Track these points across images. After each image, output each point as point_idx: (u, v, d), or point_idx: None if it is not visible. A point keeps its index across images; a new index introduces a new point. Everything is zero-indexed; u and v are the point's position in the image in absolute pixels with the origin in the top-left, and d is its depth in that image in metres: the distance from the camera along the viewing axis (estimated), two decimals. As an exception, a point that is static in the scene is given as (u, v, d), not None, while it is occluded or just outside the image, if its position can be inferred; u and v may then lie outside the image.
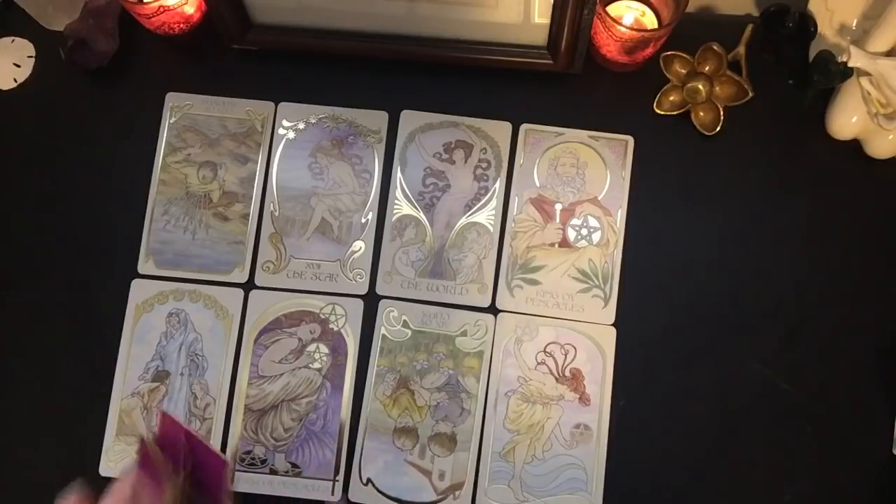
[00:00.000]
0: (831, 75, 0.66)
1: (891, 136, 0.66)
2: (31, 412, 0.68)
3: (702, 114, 0.70)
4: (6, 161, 0.73)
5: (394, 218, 0.70)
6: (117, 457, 0.66)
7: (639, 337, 0.67)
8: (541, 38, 0.68)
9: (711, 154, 0.71)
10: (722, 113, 0.69)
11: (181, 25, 0.71)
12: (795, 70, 0.71)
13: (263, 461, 0.66)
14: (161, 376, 0.68)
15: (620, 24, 0.64)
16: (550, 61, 0.68)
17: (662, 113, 0.71)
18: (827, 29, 0.69)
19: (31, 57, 0.75)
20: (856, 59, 0.61)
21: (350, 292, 0.69)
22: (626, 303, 0.68)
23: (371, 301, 0.68)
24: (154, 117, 0.73)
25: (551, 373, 0.67)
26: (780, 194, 0.70)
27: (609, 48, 0.68)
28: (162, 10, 0.68)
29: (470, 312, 0.68)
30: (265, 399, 0.67)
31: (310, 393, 0.67)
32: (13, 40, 0.76)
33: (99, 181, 0.72)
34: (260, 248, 0.70)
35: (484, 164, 0.71)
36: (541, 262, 0.69)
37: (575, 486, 0.65)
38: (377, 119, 0.72)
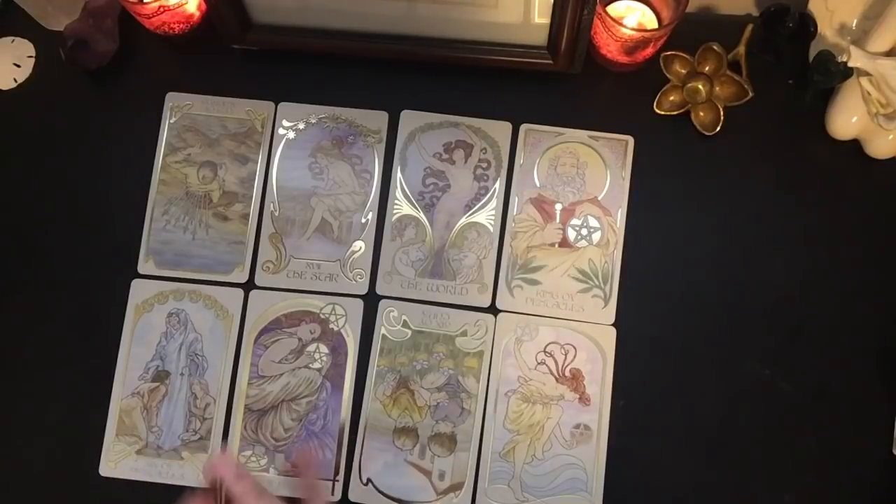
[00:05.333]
0: (831, 75, 0.66)
1: (891, 136, 0.66)
2: (32, 412, 0.68)
3: (702, 114, 0.70)
4: (6, 161, 0.73)
5: (394, 218, 0.70)
6: (117, 457, 0.66)
7: (639, 337, 0.67)
8: (541, 38, 0.68)
9: (711, 154, 0.71)
10: (722, 113, 0.69)
11: (181, 25, 0.71)
12: (795, 70, 0.71)
13: (263, 461, 0.66)
14: (161, 376, 0.68)
15: (620, 25, 0.64)
16: (550, 61, 0.68)
17: (662, 113, 0.71)
18: (827, 29, 0.69)
19: (31, 57, 0.75)
20: (856, 59, 0.61)
21: (350, 292, 0.69)
22: (626, 303, 0.68)
23: (371, 301, 0.68)
24: (154, 117, 0.73)
25: (551, 373, 0.67)
26: (780, 194, 0.70)
27: (609, 48, 0.68)
28: (162, 10, 0.68)
29: (470, 312, 0.68)
30: (265, 399, 0.67)
31: (310, 393, 0.67)
32: (13, 40, 0.76)
33: (99, 181, 0.72)
34: (260, 248, 0.70)
35: (484, 164, 0.71)
36: (541, 262, 0.69)
37: (575, 486, 0.65)
38: (377, 119, 0.72)
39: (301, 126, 0.72)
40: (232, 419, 0.67)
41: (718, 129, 0.69)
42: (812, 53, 0.69)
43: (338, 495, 0.65)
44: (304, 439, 0.66)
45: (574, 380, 0.67)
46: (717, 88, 0.69)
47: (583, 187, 0.70)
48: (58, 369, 0.69)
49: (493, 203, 0.70)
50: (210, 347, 0.68)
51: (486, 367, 0.67)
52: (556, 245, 0.69)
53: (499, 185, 0.70)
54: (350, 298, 0.69)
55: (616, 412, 0.66)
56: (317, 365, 0.68)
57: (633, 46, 0.67)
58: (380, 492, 0.65)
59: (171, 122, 0.72)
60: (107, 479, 0.66)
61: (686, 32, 0.68)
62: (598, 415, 0.66)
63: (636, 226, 0.69)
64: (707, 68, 0.69)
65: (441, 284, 0.69)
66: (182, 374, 0.68)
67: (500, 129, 0.71)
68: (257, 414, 0.67)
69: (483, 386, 0.67)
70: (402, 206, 0.70)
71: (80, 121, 0.74)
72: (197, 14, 0.72)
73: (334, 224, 0.70)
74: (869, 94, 0.63)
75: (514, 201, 0.70)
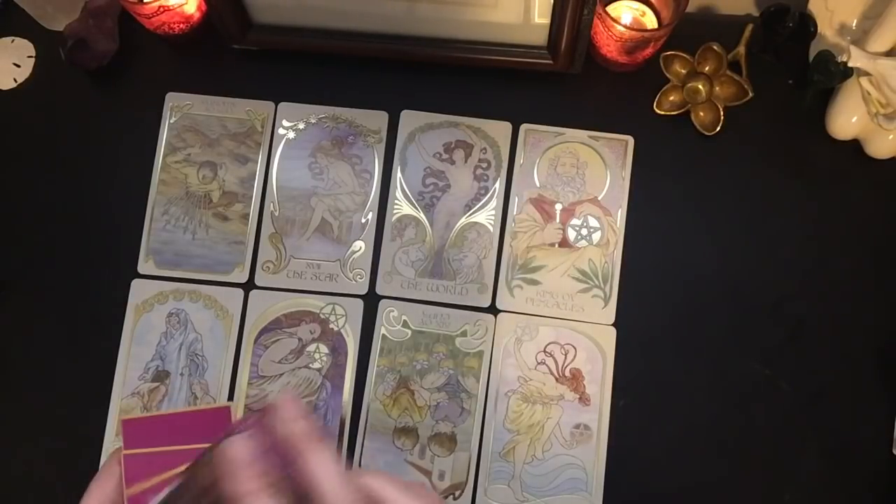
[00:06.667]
0: (831, 75, 0.66)
1: (891, 136, 0.66)
2: (32, 412, 0.68)
3: (702, 114, 0.70)
4: (6, 161, 0.73)
5: (394, 218, 0.70)
6: (117, 457, 0.66)
7: (639, 337, 0.67)
8: (541, 38, 0.68)
9: (711, 154, 0.71)
10: (722, 113, 0.69)
11: (181, 25, 0.71)
12: (795, 70, 0.71)
13: (263, 461, 0.66)
14: (161, 376, 0.68)
15: (620, 24, 0.64)
16: (550, 61, 0.68)
17: (662, 113, 0.71)
18: (827, 29, 0.69)
19: (31, 57, 0.75)
20: (856, 59, 0.61)
21: (350, 292, 0.69)
22: (626, 303, 0.68)
23: (371, 301, 0.68)
24: (154, 117, 0.73)
25: (551, 373, 0.67)
26: (780, 194, 0.70)
27: (609, 48, 0.68)
28: (162, 10, 0.68)
29: (470, 312, 0.68)
30: (265, 399, 0.67)
31: (310, 393, 0.67)
32: (13, 40, 0.76)
33: (99, 181, 0.72)
34: (260, 248, 0.70)
35: (484, 164, 0.71)
36: (541, 262, 0.69)
37: (575, 486, 0.65)
38: (377, 119, 0.72)
39: (301, 126, 0.72)
40: (232, 419, 0.67)
41: (718, 129, 0.69)
42: (812, 53, 0.69)
43: None
44: None
45: (574, 380, 0.67)
46: (717, 88, 0.69)
47: (583, 187, 0.70)
48: (58, 369, 0.69)
49: (493, 203, 0.70)
50: (210, 347, 0.68)
51: (486, 367, 0.67)
52: (556, 245, 0.69)
53: (499, 185, 0.70)
54: (350, 298, 0.69)
55: (616, 412, 0.66)
56: (317, 365, 0.68)
57: (633, 46, 0.67)
58: (380, 492, 0.65)
59: (171, 122, 0.72)
60: (107, 479, 0.66)
61: (686, 32, 0.68)
62: (598, 415, 0.66)
63: (636, 226, 0.69)
64: (707, 68, 0.69)
65: (441, 284, 0.69)
66: (182, 374, 0.68)
67: (500, 129, 0.71)
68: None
69: (483, 386, 0.67)
70: (402, 206, 0.70)
71: (80, 121, 0.74)
72: (197, 14, 0.72)
73: (334, 224, 0.70)
74: (869, 94, 0.63)
75: (514, 201, 0.70)
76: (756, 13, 0.73)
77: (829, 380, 0.66)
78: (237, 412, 0.59)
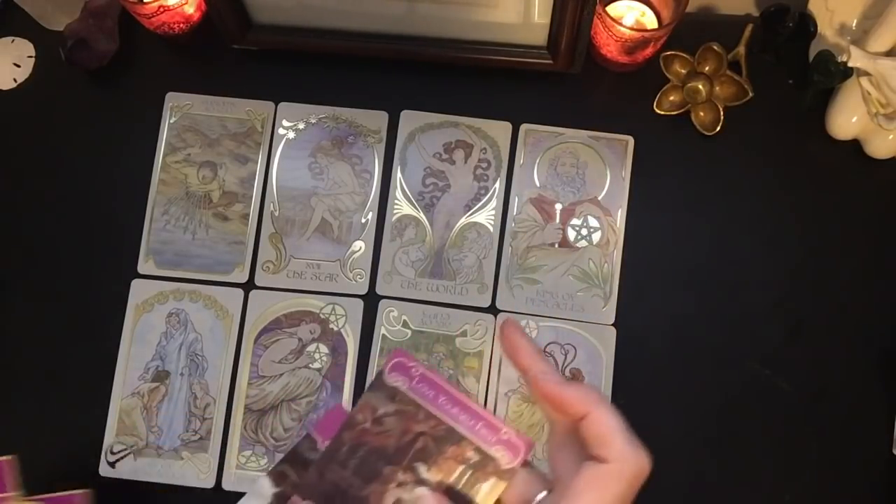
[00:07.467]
0: (831, 75, 0.66)
1: (891, 136, 0.66)
2: (31, 412, 0.68)
3: (702, 114, 0.70)
4: (6, 161, 0.73)
5: (394, 218, 0.70)
6: (117, 457, 0.66)
7: (639, 337, 0.67)
8: (541, 38, 0.68)
9: (711, 154, 0.71)
10: (722, 113, 0.69)
11: (181, 25, 0.71)
12: (795, 70, 0.71)
13: (263, 461, 0.66)
14: (161, 376, 0.68)
15: (620, 24, 0.64)
16: (550, 61, 0.68)
17: (662, 113, 0.71)
18: (827, 29, 0.69)
19: (31, 57, 0.75)
20: (856, 59, 0.61)
21: (350, 292, 0.69)
22: (626, 303, 0.68)
23: (371, 301, 0.68)
24: (154, 117, 0.73)
25: (551, 373, 0.67)
26: (780, 194, 0.70)
27: (609, 48, 0.68)
28: (162, 10, 0.68)
29: (470, 312, 0.68)
30: (265, 399, 0.67)
31: (310, 393, 0.67)
32: (13, 40, 0.76)
33: (99, 181, 0.72)
34: (260, 248, 0.70)
35: (484, 164, 0.71)
36: (541, 261, 0.69)
37: (575, 486, 0.65)
38: (377, 119, 0.72)
39: (301, 126, 0.72)
40: (232, 419, 0.67)
41: (718, 129, 0.69)
42: (812, 53, 0.69)
43: None
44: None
45: (574, 380, 0.66)
46: (717, 88, 0.69)
47: (583, 187, 0.70)
48: (58, 369, 0.69)
49: (493, 203, 0.70)
50: (210, 347, 0.68)
51: (486, 367, 0.67)
52: (556, 245, 0.69)
53: (499, 185, 0.70)
54: (350, 298, 0.69)
55: (616, 412, 0.66)
56: (317, 365, 0.68)
57: (633, 46, 0.67)
58: (380, 492, 0.65)
59: (171, 122, 0.72)
60: (106, 479, 0.66)
61: (686, 32, 0.68)
62: (598, 415, 0.66)
63: (636, 226, 0.69)
64: (707, 68, 0.69)
65: (441, 284, 0.68)
66: (182, 374, 0.68)
67: (500, 129, 0.71)
68: (257, 414, 0.67)
69: (483, 386, 0.67)
70: (402, 206, 0.70)
71: (80, 121, 0.74)
72: (197, 14, 0.72)
73: (334, 224, 0.70)
74: (869, 94, 0.63)
75: (514, 201, 0.70)
76: (756, 13, 0.73)
77: (829, 380, 0.66)
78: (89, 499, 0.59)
